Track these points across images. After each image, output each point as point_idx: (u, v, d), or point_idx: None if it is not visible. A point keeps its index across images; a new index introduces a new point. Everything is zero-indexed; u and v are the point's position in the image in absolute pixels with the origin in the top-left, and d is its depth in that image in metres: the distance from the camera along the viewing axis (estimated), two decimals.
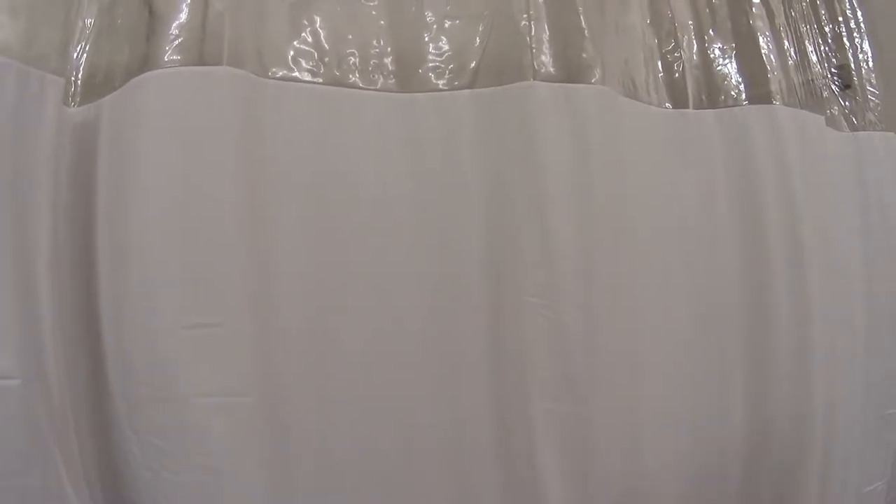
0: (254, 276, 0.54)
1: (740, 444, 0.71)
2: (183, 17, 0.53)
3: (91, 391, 0.52)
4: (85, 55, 0.58)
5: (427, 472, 0.59)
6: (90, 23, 0.58)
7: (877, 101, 0.85)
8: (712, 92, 0.73)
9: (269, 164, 0.55)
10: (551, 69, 0.61)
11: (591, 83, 0.62)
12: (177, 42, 0.52)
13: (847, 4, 0.86)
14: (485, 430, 0.59)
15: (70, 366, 0.49)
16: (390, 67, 0.61)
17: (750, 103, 0.72)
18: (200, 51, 0.53)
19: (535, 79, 0.60)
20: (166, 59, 0.52)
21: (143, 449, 0.49)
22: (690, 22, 0.73)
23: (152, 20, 0.56)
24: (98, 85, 0.56)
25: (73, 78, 0.56)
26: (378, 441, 0.58)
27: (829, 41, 0.84)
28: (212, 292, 0.51)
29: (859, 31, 0.86)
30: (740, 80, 0.73)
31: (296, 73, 0.58)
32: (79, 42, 0.57)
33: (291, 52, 0.58)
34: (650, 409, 0.64)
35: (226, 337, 0.51)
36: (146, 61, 0.53)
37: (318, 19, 0.60)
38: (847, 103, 0.83)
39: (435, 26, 0.63)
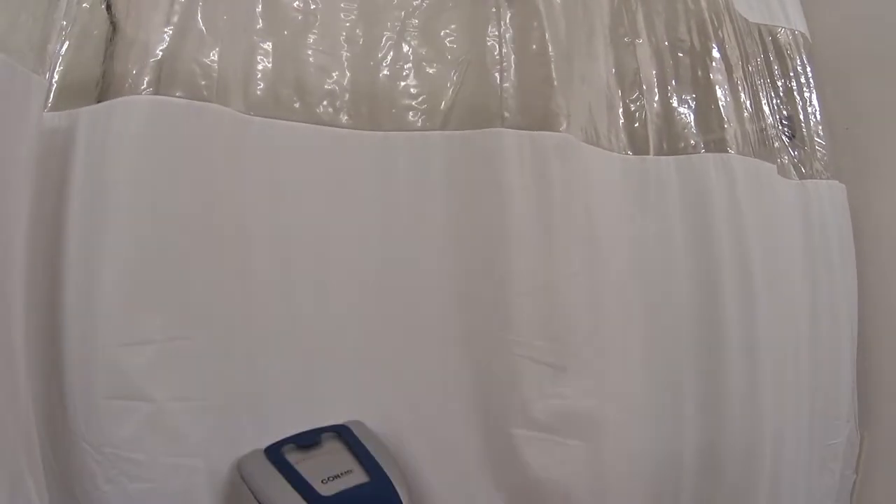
0: (224, 293, 0.56)
1: (694, 464, 0.75)
2: (167, 45, 0.54)
3: (41, 408, 0.51)
4: (61, 58, 0.56)
5: None
6: (68, 25, 0.57)
7: (823, 151, 0.91)
8: (672, 139, 0.77)
9: (249, 195, 0.58)
10: (518, 117, 0.64)
11: (556, 131, 0.65)
12: (161, 70, 0.53)
13: (798, 61, 0.93)
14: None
15: (39, 379, 0.50)
16: (367, 106, 0.64)
17: (707, 151, 0.77)
18: (189, 83, 0.54)
19: (503, 125, 0.63)
20: (146, 87, 0.53)
21: (105, 463, 0.50)
22: (654, 72, 0.78)
23: (119, 38, 0.56)
24: (73, 94, 0.56)
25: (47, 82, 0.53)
26: None
27: (781, 94, 0.90)
28: (184, 307, 0.53)
29: (808, 86, 0.93)
30: (699, 128, 0.78)
31: (278, 112, 0.60)
32: (56, 42, 0.54)
33: (274, 91, 0.60)
34: (613, 428, 0.68)
35: (195, 348, 0.54)
36: (126, 81, 0.53)
37: (300, 59, 0.62)
38: (796, 153, 0.89)
39: (413, 69, 0.66)
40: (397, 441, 0.61)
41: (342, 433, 0.59)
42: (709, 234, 0.75)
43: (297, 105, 0.61)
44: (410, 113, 0.64)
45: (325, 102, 0.62)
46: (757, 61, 0.88)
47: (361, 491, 0.54)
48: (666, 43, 0.80)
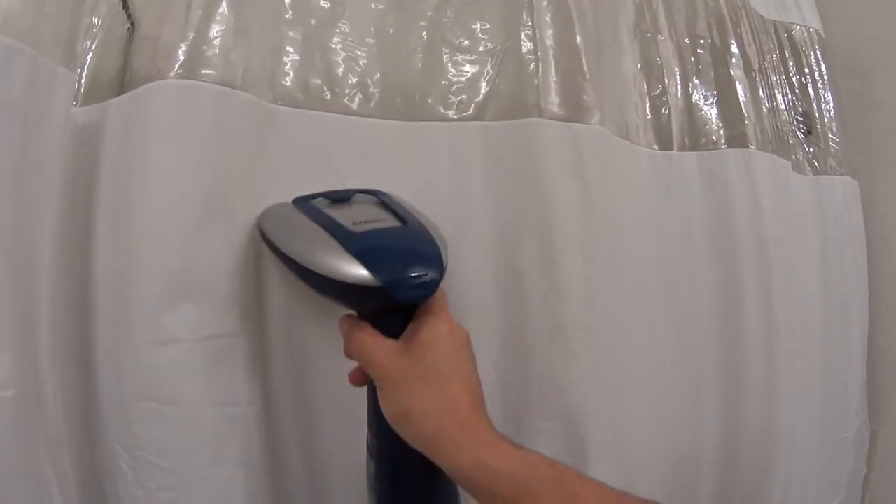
0: (259, 288, 0.54)
1: (713, 458, 0.76)
2: (193, 34, 0.53)
3: (73, 407, 0.50)
4: (91, 54, 0.55)
5: None
6: (97, 21, 0.55)
7: (837, 147, 0.92)
8: (694, 135, 0.78)
9: (280, 186, 0.56)
10: (555, 109, 0.64)
11: (590, 124, 0.65)
12: (187, 60, 0.52)
13: (812, 58, 0.94)
14: None
15: (64, 378, 0.48)
16: (400, 97, 0.63)
17: (728, 147, 0.78)
18: (216, 72, 0.53)
19: (541, 116, 0.63)
20: (175, 73, 0.51)
21: (136, 467, 0.48)
22: (677, 69, 0.78)
23: (141, 30, 0.55)
24: (105, 88, 0.55)
25: (77, 77, 0.53)
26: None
27: (796, 91, 0.91)
28: (217, 304, 0.52)
29: (823, 83, 0.94)
30: (720, 124, 0.79)
31: (307, 102, 0.59)
32: (85, 39, 0.54)
33: (303, 81, 0.59)
34: (638, 422, 0.68)
35: (239, 347, 0.52)
36: (153, 71, 0.52)
37: (329, 49, 0.61)
38: (811, 149, 0.90)
39: (446, 59, 0.65)
40: None
41: (377, 194, 0.54)
42: (729, 230, 0.76)
43: (327, 95, 0.60)
44: (445, 103, 0.64)
45: (356, 93, 0.61)
46: (773, 57, 0.89)
47: (396, 233, 0.48)
48: (687, 40, 0.80)
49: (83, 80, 0.55)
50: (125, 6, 0.57)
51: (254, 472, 0.54)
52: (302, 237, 0.46)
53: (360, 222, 0.47)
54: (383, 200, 0.53)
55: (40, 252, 0.45)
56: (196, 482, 0.50)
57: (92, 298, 0.49)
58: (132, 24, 0.57)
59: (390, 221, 0.49)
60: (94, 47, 0.56)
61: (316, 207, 0.50)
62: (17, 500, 0.41)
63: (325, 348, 0.54)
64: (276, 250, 0.48)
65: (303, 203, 0.51)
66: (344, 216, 0.48)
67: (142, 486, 0.48)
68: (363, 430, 0.48)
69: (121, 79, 0.55)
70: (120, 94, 0.52)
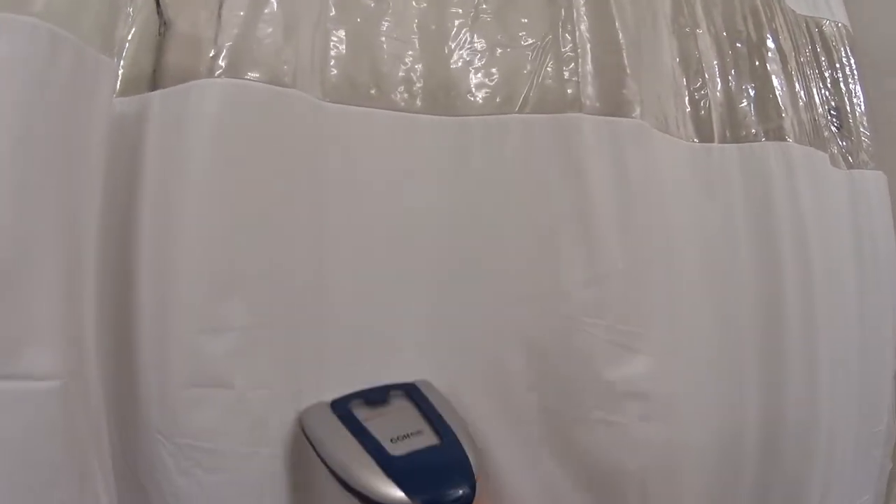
0: (303, 282, 0.56)
1: (755, 446, 0.76)
2: (235, 32, 0.53)
3: (112, 398, 0.50)
4: (128, 45, 0.55)
5: None
6: (133, 12, 0.56)
7: (869, 141, 0.93)
8: (734, 128, 0.78)
9: (326, 182, 0.58)
10: (595, 103, 0.65)
11: (630, 117, 0.65)
12: (231, 58, 0.53)
13: (843, 53, 0.94)
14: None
15: (106, 369, 0.48)
16: (443, 92, 0.64)
17: (766, 139, 0.78)
18: (263, 70, 0.54)
19: (581, 111, 0.64)
20: (222, 71, 0.52)
21: (178, 454, 0.49)
22: (715, 62, 0.79)
23: (171, 30, 0.56)
24: (141, 80, 0.55)
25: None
26: None
27: (829, 85, 0.92)
28: (264, 295, 0.52)
29: (853, 78, 0.94)
30: (758, 117, 0.79)
31: (354, 98, 0.60)
32: (124, 28, 0.54)
33: (349, 78, 0.60)
34: (683, 408, 0.68)
35: (274, 337, 0.53)
36: (199, 66, 0.53)
37: (374, 46, 0.62)
38: (844, 143, 0.90)
39: (488, 54, 0.65)
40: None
41: (410, 392, 0.58)
42: (770, 221, 0.76)
43: (373, 92, 0.61)
44: (486, 98, 0.64)
45: (400, 89, 0.62)
46: (806, 52, 0.89)
47: (432, 453, 0.52)
48: (724, 33, 0.80)
49: (121, 69, 0.54)
50: (157, 3, 0.58)
51: (292, 447, 0.54)
52: (344, 454, 0.51)
53: (398, 438, 0.52)
54: (418, 402, 0.57)
55: (86, 243, 0.45)
56: (243, 461, 0.51)
57: (135, 291, 0.49)
58: (165, 21, 0.58)
59: (426, 436, 0.54)
60: (130, 38, 0.56)
61: (354, 417, 0.54)
62: (64, 489, 0.41)
63: None
64: (319, 457, 0.52)
65: (341, 409, 0.54)
66: (382, 429, 0.52)
67: (184, 474, 0.49)
68: None
69: (156, 73, 0.55)
70: (154, 88, 0.53)
